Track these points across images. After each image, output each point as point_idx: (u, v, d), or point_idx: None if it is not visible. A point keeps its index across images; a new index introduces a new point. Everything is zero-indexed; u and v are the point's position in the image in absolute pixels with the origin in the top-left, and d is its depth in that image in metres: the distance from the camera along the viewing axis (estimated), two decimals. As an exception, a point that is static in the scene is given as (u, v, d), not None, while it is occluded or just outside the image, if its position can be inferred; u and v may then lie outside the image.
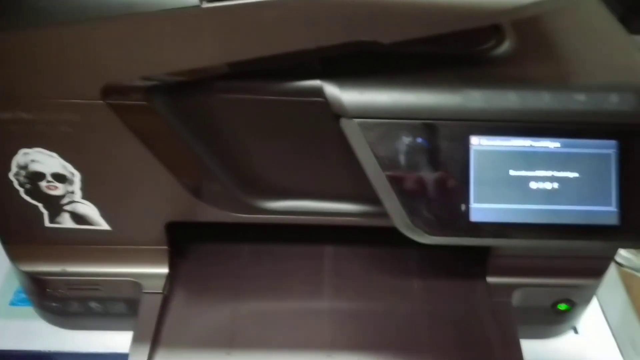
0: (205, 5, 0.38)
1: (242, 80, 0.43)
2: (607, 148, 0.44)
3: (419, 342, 0.52)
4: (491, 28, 0.49)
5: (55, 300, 0.55)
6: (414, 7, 0.38)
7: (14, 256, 0.54)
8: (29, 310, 0.60)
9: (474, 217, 0.45)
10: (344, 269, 0.57)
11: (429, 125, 0.44)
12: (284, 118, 0.45)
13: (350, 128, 0.44)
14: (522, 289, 0.54)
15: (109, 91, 0.42)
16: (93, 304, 0.55)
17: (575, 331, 0.61)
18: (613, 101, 0.44)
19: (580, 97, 0.44)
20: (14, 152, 0.46)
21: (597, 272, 0.54)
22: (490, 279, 0.55)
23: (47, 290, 0.54)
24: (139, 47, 0.40)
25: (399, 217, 0.45)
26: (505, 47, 0.47)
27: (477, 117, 0.44)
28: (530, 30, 0.50)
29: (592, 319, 0.62)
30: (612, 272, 0.64)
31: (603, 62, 0.47)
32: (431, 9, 0.38)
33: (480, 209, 0.45)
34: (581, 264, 0.53)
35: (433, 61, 0.46)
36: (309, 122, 0.45)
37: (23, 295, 0.60)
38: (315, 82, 0.43)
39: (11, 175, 0.48)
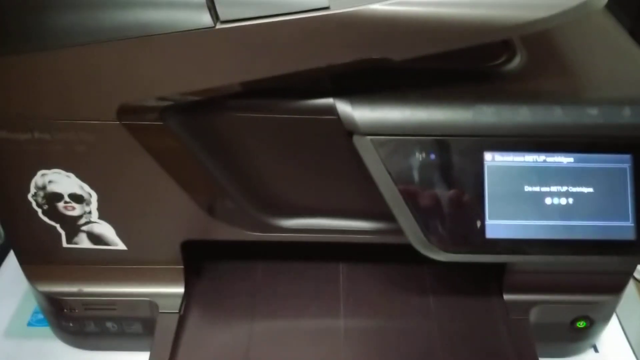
0: (219, 26, 0.39)
1: (256, 99, 0.44)
2: (621, 162, 0.44)
3: (436, 361, 0.51)
4: (502, 44, 0.49)
5: (72, 321, 0.56)
6: (424, 24, 0.38)
7: (31, 276, 0.54)
8: (46, 330, 0.60)
9: (490, 233, 0.45)
10: (359, 286, 0.57)
11: (441, 141, 0.44)
12: (297, 136, 0.45)
13: (363, 145, 0.44)
14: (540, 306, 0.54)
15: (124, 112, 0.43)
16: (109, 324, 0.56)
17: (595, 349, 0.60)
18: (626, 114, 0.43)
19: (593, 111, 0.44)
20: (33, 174, 0.47)
21: (616, 288, 0.54)
22: (507, 296, 0.55)
23: (64, 310, 0.55)
24: (154, 68, 0.41)
25: (413, 235, 0.45)
26: (516, 62, 0.48)
27: (490, 132, 0.44)
28: (540, 45, 0.50)
29: (612, 337, 0.61)
30: (631, 288, 0.63)
31: (615, 75, 0.47)
32: (441, 25, 0.38)
33: (496, 225, 0.45)
34: (600, 280, 0.53)
35: (445, 77, 0.46)
36: (321, 140, 0.45)
37: (40, 316, 0.61)
38: (328, 100, 0.43)
39: (30, 197, 0.48)
